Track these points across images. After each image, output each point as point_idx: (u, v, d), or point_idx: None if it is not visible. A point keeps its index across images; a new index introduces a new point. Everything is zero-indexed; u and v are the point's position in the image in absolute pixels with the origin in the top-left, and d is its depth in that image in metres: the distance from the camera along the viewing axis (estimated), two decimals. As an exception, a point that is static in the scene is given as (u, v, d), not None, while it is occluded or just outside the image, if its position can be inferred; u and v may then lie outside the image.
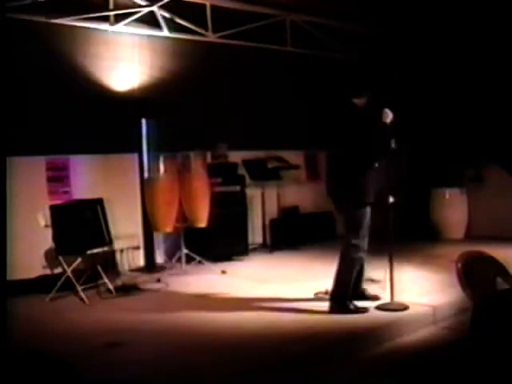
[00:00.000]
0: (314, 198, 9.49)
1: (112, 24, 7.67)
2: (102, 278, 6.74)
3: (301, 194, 9.73)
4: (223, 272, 7.59)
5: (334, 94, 6.00)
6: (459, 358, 3.73)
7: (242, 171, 8.76)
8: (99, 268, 6.73)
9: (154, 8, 7.72)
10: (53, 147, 7.21)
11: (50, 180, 7.28)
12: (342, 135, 5.66)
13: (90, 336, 5.21)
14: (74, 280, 6.49)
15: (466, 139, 9.02)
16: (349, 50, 9.60)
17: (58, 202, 7.03)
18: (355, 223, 5.62)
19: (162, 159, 7.67)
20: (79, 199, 7.20)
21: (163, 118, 7.77)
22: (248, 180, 8.76)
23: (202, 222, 7.72)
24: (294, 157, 9.46)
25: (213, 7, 8.32)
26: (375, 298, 5.91)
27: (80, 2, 7.37)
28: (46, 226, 6.62)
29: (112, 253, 7.45)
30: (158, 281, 7.21)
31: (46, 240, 6.66)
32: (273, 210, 9.39)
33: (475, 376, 3.47)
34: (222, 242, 8.17)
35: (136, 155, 7.90)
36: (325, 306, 5.80)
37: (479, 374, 3.46)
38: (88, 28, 7.55)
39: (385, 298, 5.85)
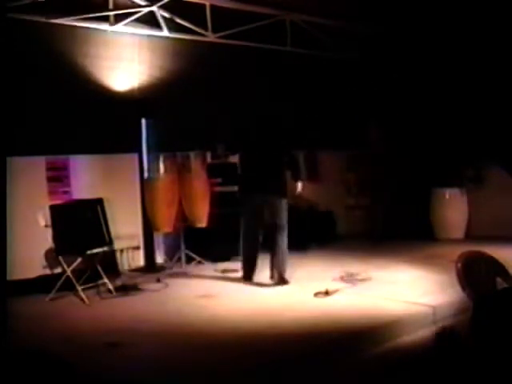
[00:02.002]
0: (314, 197, 9.48)
1: (112, 24, 7.66)
2: (102, 277, 6.73)
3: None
4: (223, 272, 7.59)
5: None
6: (460, 358, 3.73)
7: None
8: (99, 268, 6.72)
9: (154, 8, 7.72)
10: (53, 147, 7.20)
11: (50, 180, 7.27)
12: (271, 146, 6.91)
13: (90, 336, 5.22)
14: (74, 280, 6.49)
15: (465, 139, 9.03)
16: (349, 50, 9.60)
17: (58, 202, 7.03)
18: (285, 211, 6.79)
19: (161, 159, 7.68)
20: (79, 199, 7.20)
21: (163, 117, 7.76)
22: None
23: (202, 222, 7.72)
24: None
25: (213, 7, 8.31)
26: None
27: (80, 2, 7.36)
28: (46, 226, 6.61)
29: (112, 253, 7.44)
30: (158, 281, 7.21)
31: (46, 240, 6.65)
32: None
33: (475, 376, 3.47)
34: (221, 241, 8.16)
35: (136, 155, 7.89)
36: (325, 306, 5.82)
37: (479, 374, 3.46)
38: (88, 28, 7.54)
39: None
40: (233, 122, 8.34)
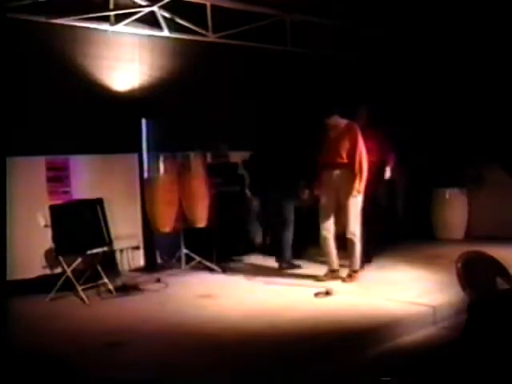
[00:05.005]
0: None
1: (112, 24, 7.66)
2: (102, 278, 6.73)
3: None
4: (223, 272, 7.59)
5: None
6: (458, 357, 3.73)
7: (242, 171, 8.76)
8: (99, 268, 6.72)
9: (155, 8, 7.71)
10: (53, 147, 7.19)
11: (50, 180, 7.27)
12: None
13: (90, 336, 5.22)
14: (74, 280, 6.49)
15: (465, 139, 9.02)
16: (349, 51, 9.59)
17: (58, 201, 7.03)
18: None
19: (161, 159, 7.67)
20: (79, 199, 7.20)
21: (163, 117, 7.76)
22: (248, 180, 8.75)
23: (202, 222, 7.72)
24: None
25: (213, 7, 8.31)
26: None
27: (80, 2, 7.36)
28: (46, 226, 6.61)
29: (112, 253, 7.44)
30: (158, 281, 7.21)
31: (46, 240, 6.65)
32: (273, 210, 9.36)
33: (474, 376, 3.47)
34: (221, 242, 8.15)
35: (136, 155, 7.90)
36: (325, 306, 5.82)
37: (478, 374, 3.46)
38: (88, 28, 7.54)
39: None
40: (233, 122, 8.36)
